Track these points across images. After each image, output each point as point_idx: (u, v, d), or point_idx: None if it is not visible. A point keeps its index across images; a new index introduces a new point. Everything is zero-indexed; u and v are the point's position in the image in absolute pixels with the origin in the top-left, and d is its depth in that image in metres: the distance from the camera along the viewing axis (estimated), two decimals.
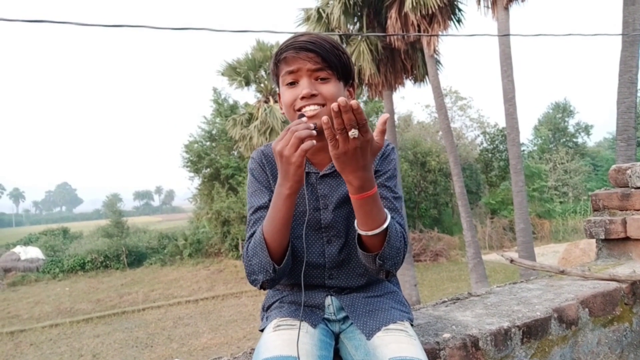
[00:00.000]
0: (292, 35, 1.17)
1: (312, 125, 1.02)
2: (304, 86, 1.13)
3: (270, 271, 1.08)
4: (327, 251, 1.22)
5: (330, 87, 1.15)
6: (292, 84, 1.15)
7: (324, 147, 1.20)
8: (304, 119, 1.07)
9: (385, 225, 1.05)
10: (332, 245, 1.22)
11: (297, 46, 1.13)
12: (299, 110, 1.14)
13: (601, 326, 1.67)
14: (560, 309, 1.54)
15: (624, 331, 1.74)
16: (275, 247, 1.08)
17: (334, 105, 0.89)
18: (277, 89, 1.25)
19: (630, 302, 1.77)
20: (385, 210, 1.08)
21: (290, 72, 1.14)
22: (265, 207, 1.19)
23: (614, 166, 2.25)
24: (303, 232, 1.19)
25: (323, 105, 1.13)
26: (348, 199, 1.22)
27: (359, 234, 1.09)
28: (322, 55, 1.13)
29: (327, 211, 1.22)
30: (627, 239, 2.12)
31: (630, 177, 2.15)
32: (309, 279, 1.21)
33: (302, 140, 0.98)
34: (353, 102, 0.89)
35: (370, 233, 1.05)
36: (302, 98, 1.12)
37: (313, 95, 1.13)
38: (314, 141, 0.99)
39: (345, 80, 1.21)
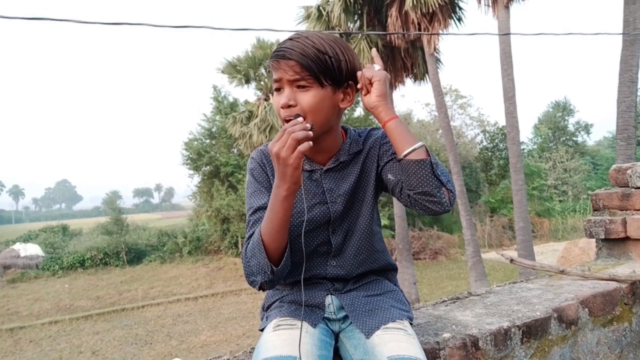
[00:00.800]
0: (286, 38, 1.16)
1: (308, 126, 1.02)
2: (284, 95, 1.13)
3: (269, 273, 1.08)
4: (333, 241, 1.24)
5: (309, 97, 1.12)
6: (278, 90, 1.16)
7: (323, 149, 1.22)
8: (300, 119, 1.07)
9: (421, 142, 1.13)
10: (337, 235, 1.24)
11: (279, 54, 1.12)
12: (284, 120, 1.13)
13: (601, 326, 1.67)
14: (560, 309, 1.54)
15: (624, 331, 1.74)
16: (273, 249, 1.08)
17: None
18: None
19: (630, 302, 1.77)
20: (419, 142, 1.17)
21: (275, 81, 1.15)
22: (265, 207, 1.18)
23: (614, 166, 2.25)
24: (302, 232, 1.18)
25: (302, 116, 1.11)
26: (354, 190, 1.24)
27: (403, 160, 1.12)
28: (301, 63, 1.10)
29: (335, 204, 1.23)
30: (627, 238, 2.12)
31: (630, 176, 2.15)
32: (312, 269, 1.23)
33: (298, 142, 0.98)
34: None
35: (412, 148, 1.11)
36: (282, 107, 1.13)
37: (290, 106, 1.12)
38: (311, 142, 1.00)
39: (338, 84, 1.16)
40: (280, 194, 1.04)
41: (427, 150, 1.12)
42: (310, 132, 1.01)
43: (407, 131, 1.14)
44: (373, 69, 1.17)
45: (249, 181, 1.26)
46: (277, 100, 1.15)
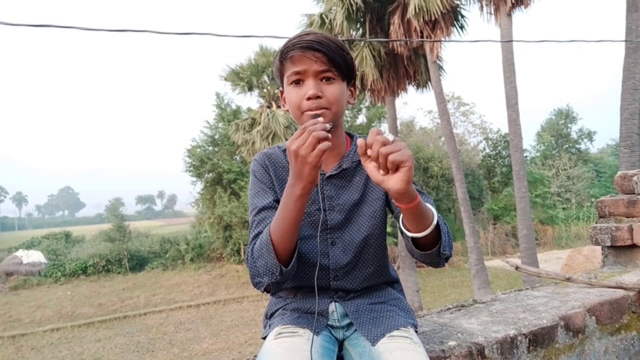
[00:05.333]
0: (297, 33, 1.17)
1: (328, 126, 1.01)
2: (310, 87, 1.12)
3: (277, 274, 1.06)
4: (331, 253, 1.21)
5: (335, 89, 1.15)
6: (297, 82, 1.15)
7: (329, 149, 1.20)
8: (320, 118, 1.06)
9: (435, 221, 1.05)
10: (336, 247, 1.22)
11: (304, 45, 1.12)
12: (305, 111, 1.13)
13: (608, 334, 1.65)
14: (566, 317, 1.52)
15: (632, 340, 1.71)
16: (282, 249, 1.06)
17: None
18: (280, 87, 1.24)
19: (638, 310, 1.74)
20: (429, 205, 1.07)
21: (297, 72, 1.14)
22: (269, 207, 1.18)
23: (619, 172, 2.23)
24: (318, 234, 1.19)
25: (327, 108, 1.13)
26: (354, 201, 1.23)
27: (412, 237, 1.07)
28: (329, 56, 1.13)
29: (333, 212, 1.22)
30: (633, 246, 2.10)
31: (636, 183, 2.13)
32: (312, 280, 1.20)
33: (319, 140, 0.97)
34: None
35: (424, 233, 1.04)
36: (308, 99, 1.12)
37: (318, 97, 1.12)
38: (330, 143, 0.98)
39: (348, 80, 1.21)
40: (295, 192, 1.01)
41: (438, 232, 1.08)
42: (329, 134, 1.00)
43: (425, 213, 1.04)
44: (394, 142, 0.93)
45: (252, 182, 1.25)
46: (298, 92, 1.14)
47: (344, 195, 1.23)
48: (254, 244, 1.12)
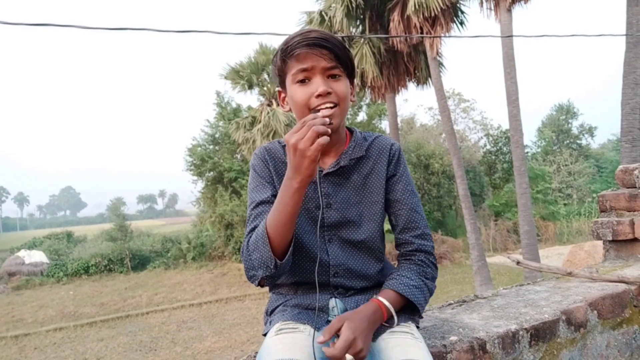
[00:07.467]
0: (297, 31, 1.16)
1: (327, 121, 1.02)
2: (320, 84, 1.11)
3: (272, 267, 1.06)
4: (330, 250, 1.21)
5: (342, 86, 1.14)
6: (304, 81, 1.13)
7: (329, 144, 1.20)
8: (320, 113, 1.07)
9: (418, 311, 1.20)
10: (334, 245, 1.22)
11: (310, 42, 1.11)
12: (315, 109, 1.12)
13: (610, 329, 1.64)
14: (568, 311, 1.52)
15: (634, 334, 1.71)
16: (278, 242, 1.05)
17: None
18: (278, 87, 1.23)
19: None
20: (406, 290, 1.16)
21: (303, 70, 1.12)
22: (267, 201, 1.17)
23: (621, 167, 2.23)
24: (317, 230, 1.19)
25: (336, 104, 1.13)
26: (352, 199, 1.22)
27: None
28: (335, 53, 1.12)
29: (330, 210, 1.21)
30: (635, 240, 2.09)
31: (637, 177, 2.12)
32: (314, 276, 1.20)
33: (318, 134, 0.97)
34: None
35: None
36: (318, 96, 1.11)
37: (329, 94, 1.11)
38: (329, 138, 0.99)
39: (350, 78, 1.21)
40: (293, 186, 1.01)
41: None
42: (329, 129, 1.00)
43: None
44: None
45: (252, 176, 1.25)
46: (306, 90, 1.13)
47: (341, 193, 1.22)
48: (250, 237, 1.11)
